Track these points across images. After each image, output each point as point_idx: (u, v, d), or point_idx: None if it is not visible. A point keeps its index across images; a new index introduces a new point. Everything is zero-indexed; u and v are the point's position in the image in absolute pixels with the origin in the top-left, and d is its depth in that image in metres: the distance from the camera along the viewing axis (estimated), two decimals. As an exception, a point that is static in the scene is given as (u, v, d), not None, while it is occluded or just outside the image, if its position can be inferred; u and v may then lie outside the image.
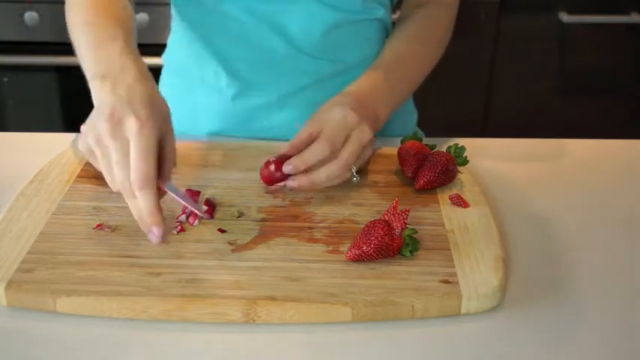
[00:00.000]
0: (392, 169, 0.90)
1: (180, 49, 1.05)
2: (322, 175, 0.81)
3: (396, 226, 0.72)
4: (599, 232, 0.83)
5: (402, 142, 0.90)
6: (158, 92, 0.77)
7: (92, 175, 0.87)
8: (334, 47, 0.99)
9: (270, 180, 0.83)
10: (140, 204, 0.70)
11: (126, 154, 0.70)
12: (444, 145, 0.88)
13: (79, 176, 0.87)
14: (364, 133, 0.84)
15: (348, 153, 0.82)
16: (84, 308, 0.68)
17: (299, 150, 0.82)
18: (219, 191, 0.85)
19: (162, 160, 0.74)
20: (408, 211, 0.73)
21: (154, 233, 0.71)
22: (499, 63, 1.88)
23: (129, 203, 0.72)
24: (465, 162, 0.87)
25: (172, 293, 0.68)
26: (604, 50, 1.89)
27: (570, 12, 1.81)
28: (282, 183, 0.82)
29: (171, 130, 0.76)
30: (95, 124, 0.72)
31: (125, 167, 0.70)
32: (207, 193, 0.84)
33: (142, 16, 1.78)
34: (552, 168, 0.97)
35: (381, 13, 1.00)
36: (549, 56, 1.89)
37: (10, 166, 0.93)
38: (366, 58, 1.00)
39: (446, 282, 0.70)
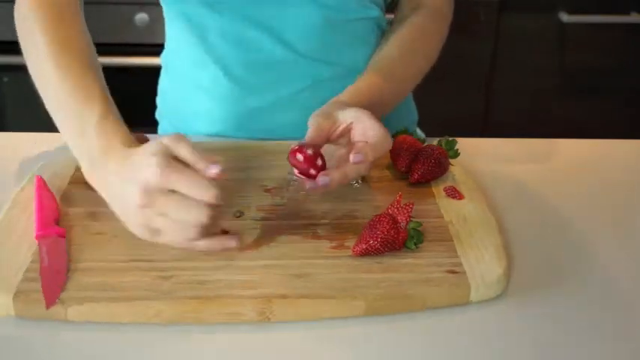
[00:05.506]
0: (383, 163, 0.89)
1: (177, 54, 1.04)
2: (354, 171, 0.77)
3: (401, 219, 0.73)
4: (598, 233, 0.83)
5: (392, 137, 0.89)
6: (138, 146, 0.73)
7: (83, 181, 0.85)
8: (331, 49, 0.99)
9: (299, 165, 0.77)
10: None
11: (185, 201, 0.68)
12: (436, 139, 0.88)
13: (69, 182, 0.85)
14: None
15: (374, 156, 0.79)
16: (95, 315, 0.67)
17: (321, 143, 0.79)
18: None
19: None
20: (412, 204, 0.74)
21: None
22: (499, 63, 1.88)
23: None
24: (457, 154, 0.87)
25: (184, 295, 0.67)
26: (604, 50, 1.89)
27: (570, 12, 1.81)
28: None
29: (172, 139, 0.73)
30: (134, 215, 0.70)
31: (198, 206, 0.68)
32: None
33: (142, 16, 1.78)
34: (552, 168, 0.97)
35: (375, 12, 1.00)
36: (549, 56, 1.89)
37: (10, 166, 0.93)
38: (363, 60, 1.00)
39: (452, 272, 0.71)
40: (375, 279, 0.70)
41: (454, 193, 0.84)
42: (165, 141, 0.70)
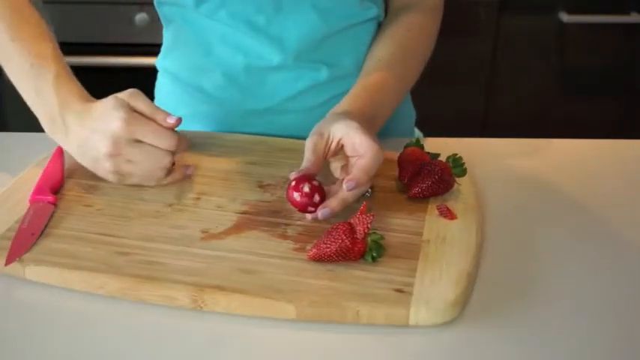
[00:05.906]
0: (393, 174, 0.87)
1: (176, 58, 1.05)
2: (352, 195, 0.79)
3: (359, 230, 0.71)
4: (596, 239, 0.81)
5: (404, 147, 0.89)
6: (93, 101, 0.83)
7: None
8: (331, 53, 0.99)
9: (297, 205, 0.78)
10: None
11: (149, 149, 0.81)
12: (448, 150, 0.86)
13: None
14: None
15: (367, 176, 0.80)
16: (49, 278, 0.72)
17: (319, 164, 0.80)
18: (211, 180, 0.86)
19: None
20: (373, 216, 0.72)
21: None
22: (499, 63, 1.88)
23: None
24: (464, 173, 0.84)
25: (129, 273, 0.71)
26: (604, 50, 1.89)
27: (570, 12, 1.81)
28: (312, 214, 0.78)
29: (132, 96, 0.81)
30: (103, 162, 0.80)
31: (161, 152, 0.81)
32: (197, 182, 0.86)
33: (142, 16, 1.78)
34: (551, 168, 0.96)
35: (374, 11, 1.00)
36: (549, 56, 1.89)
37: (10, 166, 0.93)
38: (363, 60, 1.00)
39: (400, 291, 0.69)
40: (316, 286, 0.69)
41: (446, 213, 0.80)
42: (122, 96, 0.81)
